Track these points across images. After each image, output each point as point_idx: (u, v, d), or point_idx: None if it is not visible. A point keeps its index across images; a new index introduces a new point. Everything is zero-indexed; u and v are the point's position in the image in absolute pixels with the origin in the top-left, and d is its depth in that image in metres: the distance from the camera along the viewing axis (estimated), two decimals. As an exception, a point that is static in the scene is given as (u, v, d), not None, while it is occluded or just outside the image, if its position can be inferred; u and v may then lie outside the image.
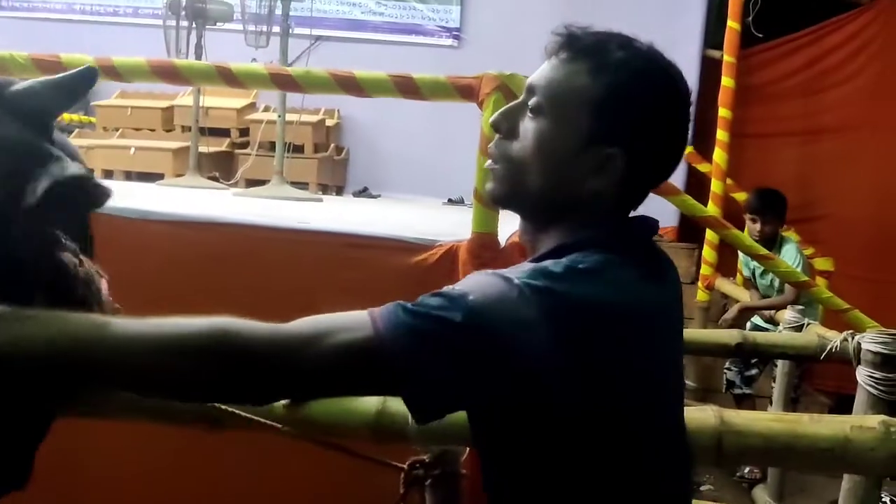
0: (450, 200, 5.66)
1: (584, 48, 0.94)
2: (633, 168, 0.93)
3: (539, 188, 0.95)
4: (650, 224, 0.99)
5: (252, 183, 4.91)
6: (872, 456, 1.14)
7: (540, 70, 0.97)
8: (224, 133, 5.78)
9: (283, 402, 1.23)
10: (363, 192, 6.19)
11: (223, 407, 1.24)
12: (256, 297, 1.99)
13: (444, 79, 1.97)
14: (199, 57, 4.67)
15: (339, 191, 6.24)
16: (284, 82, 2.04)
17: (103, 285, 1.13)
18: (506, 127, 0.98)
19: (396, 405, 1.21)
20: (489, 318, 0.80)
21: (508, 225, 2.04)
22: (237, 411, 1.22)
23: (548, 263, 0.87)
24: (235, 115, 5.82)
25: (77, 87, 1.04)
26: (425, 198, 5.64)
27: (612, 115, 0.92)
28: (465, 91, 1.92)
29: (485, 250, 1.91)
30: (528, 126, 0.95)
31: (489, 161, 1.00)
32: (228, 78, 2.01)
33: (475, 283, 0.85)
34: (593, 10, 4.46)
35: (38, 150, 0.93)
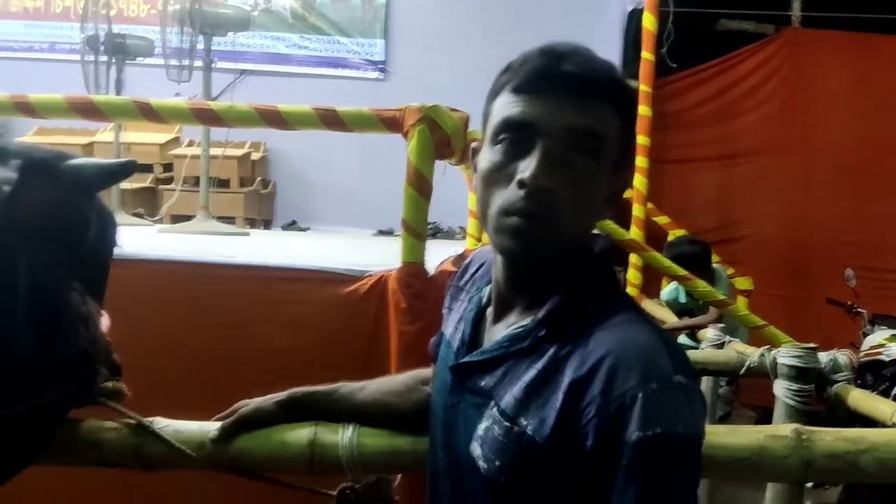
0: (380, 231, 5.67)
1: (603, 87, 0.93)
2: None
3: (571, 227, 0.93)
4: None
5: (177, 219, 4.83)
6: (786, 463, 1.19)
7: (566, 113, 0.91)
8: (147, 169, 5.68)
9: (212, 436, 1.22)
10: (291, 226, 6.15)
11: (156, 446, 1.23)
12: (184, 334, 1.97)
13: (368, 111, 1.99)
14: (119, 92, 4.60)
15: (267, 224, 6.18)
16: (207, 117, 2.03)
17: (104, 322, 1.28)
18: (548, 185, 0.90)
19: (328, 435, 1.22)
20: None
21: (436, 254, 2.06)
22: (174, 444, 1.20)
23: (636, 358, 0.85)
24: (158, 150, 5.74)
25: (117, 174, 1.26)
26: (355, 229, 5.64)
27: (624, 147, 0.96)
28: (390, 123, 1.95)
29: (414, 279, 1.93)
30: (572, 180, 0.91)
31: (521, 220, 0.91)
32: (149, 114, 1.98)
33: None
34: (513, 44, 4.58)
35: (82, 212, 1.20)
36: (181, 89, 4.30)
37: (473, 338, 1.03)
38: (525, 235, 0.92)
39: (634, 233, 4.83)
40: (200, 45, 4.02)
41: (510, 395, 0.91)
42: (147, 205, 5.44)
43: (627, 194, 5.18)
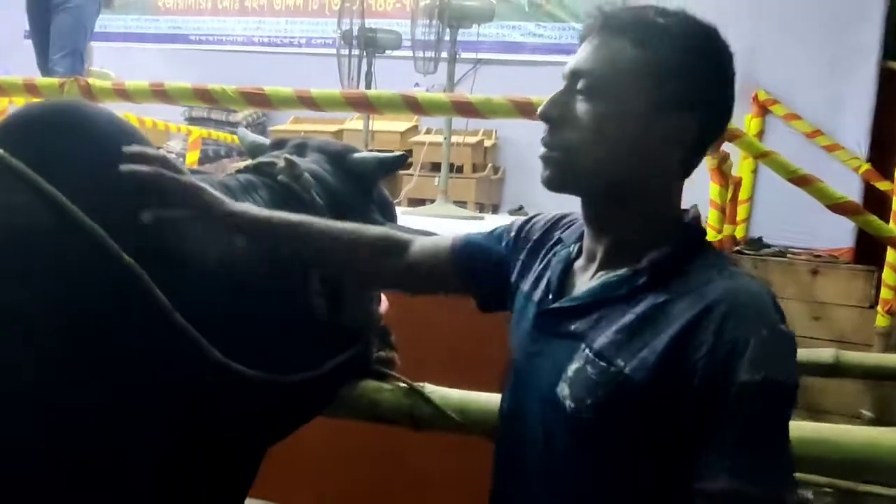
0: (608, 219, 5.64)
1: (622, 24, 0.99)
2: (702, 133, 0.99)
3: (608, 171, 0.99)
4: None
5: (414, 202, 5.12)
6: None
7: (581, 54, 1.01)
8: (389, 155, 6.05)
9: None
10: (518, 210, 6.26)
11: (425, 408, 1.37)
12: (439, 310, 2.12)
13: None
14: (369, 84, 4.94)
15: (495, 209, 6.35)
16: (466, 109, 2.16)
17: (382, 305, 1.50)
18: (556, 115, 1.00)
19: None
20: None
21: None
22: (442, 408, 1.33)
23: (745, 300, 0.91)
24: (399, 137, 6.09)
25: (393, 165, 1.48)
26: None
27: (675, 81, 0.96)
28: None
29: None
30: (583, 110, 0.98)
31: (543, 150, 1.02)
32: (414, 106, 2.16)
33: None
34: (759, 22, 4.36)
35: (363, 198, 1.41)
36: (425, 80, 4.55)
37: (560, 288, 1.07)
38: (542, 161, 1.03)
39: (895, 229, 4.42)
40: (446, 37, 4.22)
41: (604, 338, 0.96)
42: (387, 188, 5.78)
43: (887, 187, 4.76)
